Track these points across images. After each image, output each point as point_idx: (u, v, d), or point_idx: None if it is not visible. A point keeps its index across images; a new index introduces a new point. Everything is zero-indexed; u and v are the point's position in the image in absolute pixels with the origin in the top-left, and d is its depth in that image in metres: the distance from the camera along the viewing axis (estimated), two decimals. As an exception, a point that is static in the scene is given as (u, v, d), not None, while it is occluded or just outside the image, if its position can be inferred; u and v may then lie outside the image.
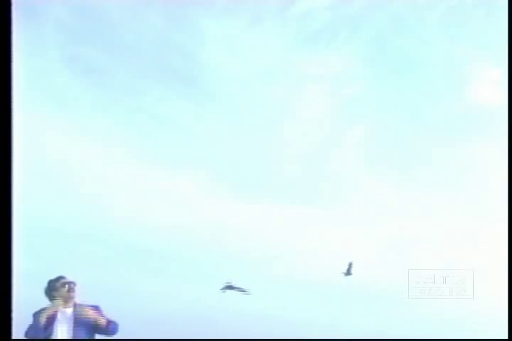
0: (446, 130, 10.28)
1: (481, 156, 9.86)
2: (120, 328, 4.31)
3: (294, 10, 9.99)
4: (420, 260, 8.11)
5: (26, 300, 4.08)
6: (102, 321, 4.10)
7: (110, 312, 4.37)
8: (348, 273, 7.43)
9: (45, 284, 4.22)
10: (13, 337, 3.83)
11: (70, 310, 4.12)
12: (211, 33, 10.06)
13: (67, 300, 4.12)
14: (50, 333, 3.98)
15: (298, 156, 10.50)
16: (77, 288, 4.19)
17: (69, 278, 4.23)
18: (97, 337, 4.24)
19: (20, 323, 4.02)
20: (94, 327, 4.17)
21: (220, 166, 10.24)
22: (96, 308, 4.23)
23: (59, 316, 4.06)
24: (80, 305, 4.18)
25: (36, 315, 4.03)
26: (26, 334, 3.96)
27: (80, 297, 4.22)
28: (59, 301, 4.07)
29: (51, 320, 4.00)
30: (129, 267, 8.55)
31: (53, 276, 4.26)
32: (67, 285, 4.14)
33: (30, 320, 4.05)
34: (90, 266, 8.46)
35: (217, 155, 10.29)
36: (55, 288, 4.13)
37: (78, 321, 4.08)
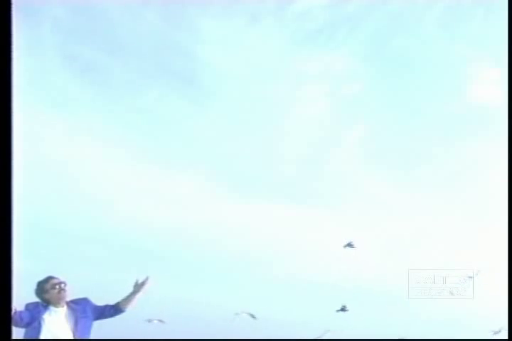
0: (446, 130, 10.29)
1: (480, 156, 9.87)
2: (119, 328, 4.29)
3: (293, 9, 9.99)
4: (420, 260, 8.11)
5: (26, 300, 4.05)
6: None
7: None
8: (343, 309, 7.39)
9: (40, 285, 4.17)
10: (13, 337, 3.81)
11: (63, 310, 4.08)
12: (210, 32, 10.06)
13: (59, 301, 4.07)
14: (36, 331, 3.94)
15: (298, 156, 10.50)
16: (68, 288, 4.12)
17: (68, 278, 4.19)
18: (96, 333, 4.24)
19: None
20: (96, 315, 4.18)
21: (220, 166, 10.24)
22: (85, 300, 4.22)
23: (52, 316, 4.02)
24: (72, 300, 4.15)
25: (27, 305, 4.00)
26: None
27: (72, 295, 4.16)
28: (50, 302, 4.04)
29: (35, 316, 3.96)
30: (128, 267, 8.53)
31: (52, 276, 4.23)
32: (57, 287, 4.07)
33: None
34: (89, 266, 8.46)
35: (217, 155, 10.29)
36: (45, 290, 4.07)
37: (77, 316, 4.07)
